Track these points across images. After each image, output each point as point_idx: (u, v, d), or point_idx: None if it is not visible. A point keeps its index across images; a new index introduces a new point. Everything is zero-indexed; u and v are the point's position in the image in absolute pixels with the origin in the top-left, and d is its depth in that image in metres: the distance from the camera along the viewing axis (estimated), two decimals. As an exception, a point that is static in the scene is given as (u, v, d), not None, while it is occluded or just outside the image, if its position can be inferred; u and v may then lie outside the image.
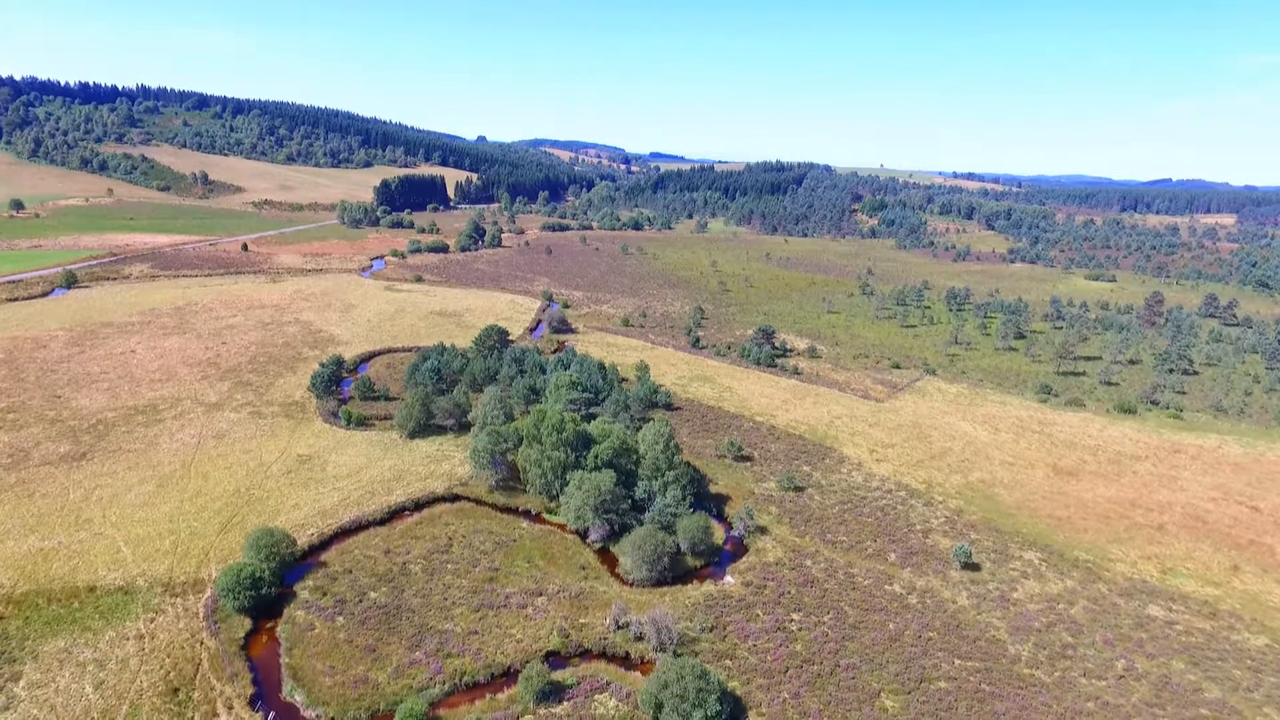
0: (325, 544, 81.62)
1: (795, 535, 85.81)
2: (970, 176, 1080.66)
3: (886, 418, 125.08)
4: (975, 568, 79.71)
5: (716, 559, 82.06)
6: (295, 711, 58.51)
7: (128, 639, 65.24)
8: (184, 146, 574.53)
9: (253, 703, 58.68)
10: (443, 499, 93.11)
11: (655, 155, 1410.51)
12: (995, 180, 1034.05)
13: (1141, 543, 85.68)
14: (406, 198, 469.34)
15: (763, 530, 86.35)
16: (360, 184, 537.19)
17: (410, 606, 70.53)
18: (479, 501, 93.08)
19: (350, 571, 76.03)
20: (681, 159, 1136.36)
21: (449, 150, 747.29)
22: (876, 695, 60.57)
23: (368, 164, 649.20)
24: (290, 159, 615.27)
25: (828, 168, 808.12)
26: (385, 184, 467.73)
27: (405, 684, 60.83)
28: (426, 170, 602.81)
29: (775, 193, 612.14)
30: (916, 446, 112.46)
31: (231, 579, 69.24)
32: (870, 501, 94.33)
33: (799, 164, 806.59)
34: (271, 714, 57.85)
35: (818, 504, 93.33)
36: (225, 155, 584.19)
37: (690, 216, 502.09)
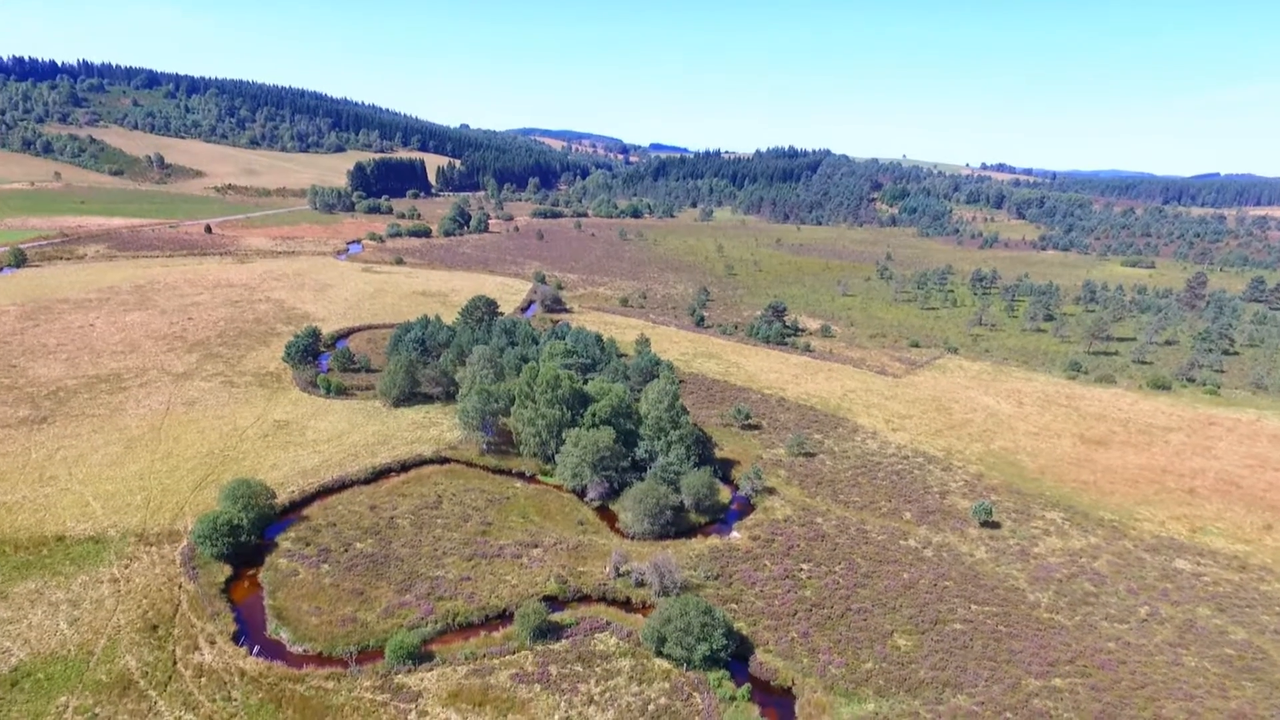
0: (306, 501, 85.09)
1: (806, 496, 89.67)
2: (1000, 168, 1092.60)
3: (904, 391, 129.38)
4: (995, 525, 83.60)
5: (722, 516, 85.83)
6: (281, 647, 61.92)
7: (101, 582, 68.66)
8: (135, 128, 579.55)
9: (236, 640, 62.07)
10: (431, 461, 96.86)
11: (656, 147, 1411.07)
12: (1027, 173, 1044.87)
13: (1171, 504, 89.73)
14: (384, 183, 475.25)
15: (771, 491, 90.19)
16: (332, 169, 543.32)
17: (398, 556, 74.12)
18: (469, 464, 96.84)
19: (334, 525, 79.61)
20: (684, 150, 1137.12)
21: (429, 134, 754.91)
22: (889, 635, 64.25)
23: (339, 148, 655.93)
24: (254, 142, 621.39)
25: (845, 157, 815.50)
26: (360, 168, 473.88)
27: (395, 623, 64.33)
28: (405, 154, 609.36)
29: (787, 180, 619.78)
30: (935, 417, 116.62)
31: (208, 526, 72.67)
32: (885, 466, 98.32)
33: (814, 151, 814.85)
34: (256, 648, 61.26)
35: (829, 468, 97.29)
36: (182, 138, 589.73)
37: (694, 205, 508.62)
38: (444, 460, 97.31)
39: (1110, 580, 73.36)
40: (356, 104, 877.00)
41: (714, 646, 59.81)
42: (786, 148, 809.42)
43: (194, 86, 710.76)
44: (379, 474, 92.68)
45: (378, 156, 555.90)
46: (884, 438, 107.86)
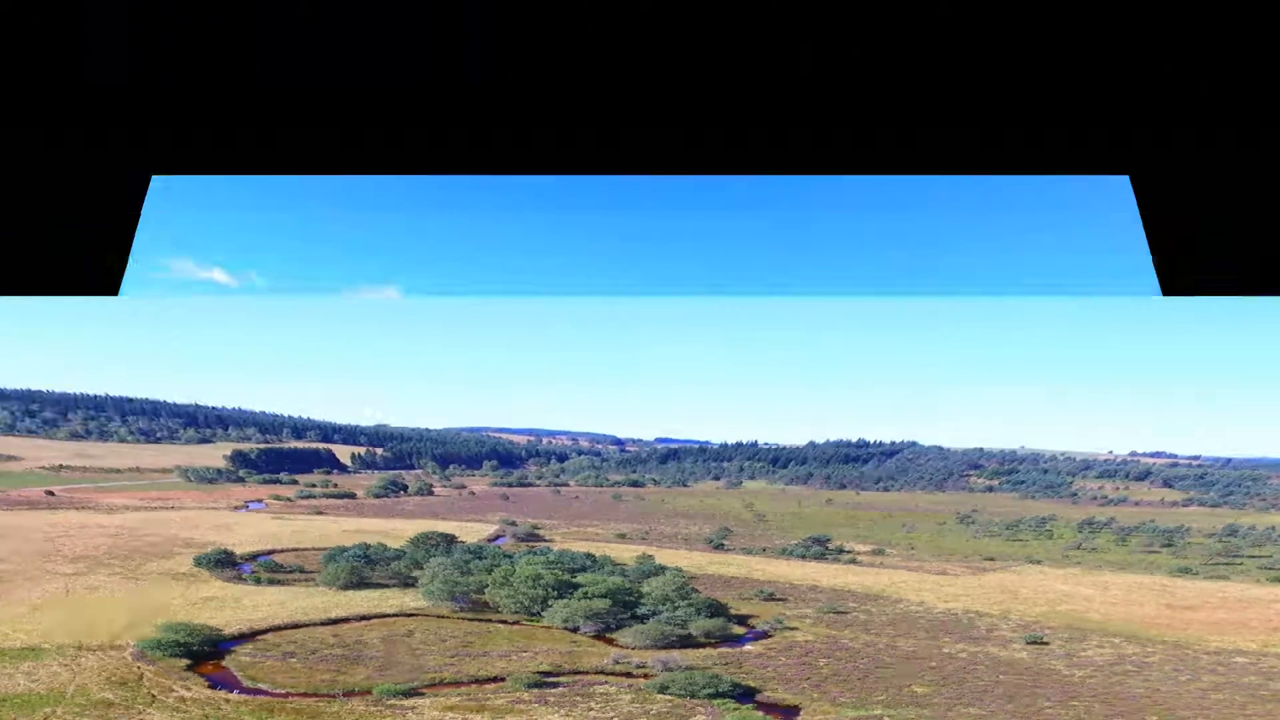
0: (258, 634, 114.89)
1: (832, 631, 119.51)
2: (1158, 456, 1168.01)
3: (965, 582, 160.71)
4: (1043, 643, 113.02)
5: (735, 642, 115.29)
6: (264, 693, 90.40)
7: (51, 666, 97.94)
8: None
9: (213, 688, 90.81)
10: (396, 616, 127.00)
11: (664, 442, 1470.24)
12: (1193, 460, 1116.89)
13: (1248, 635, 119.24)
14: (278, 465, 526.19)
15: (792, 629, 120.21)
16: (198, 455, 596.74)
17: (373, 656, 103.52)
18: (441, 616, 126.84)
19: (295, 642, 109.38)
20: (705, 444, 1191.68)
21: (332, 430, 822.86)
22: (907, 685, 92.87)
23: (206, 440, 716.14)
24: (77, 436, 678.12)
25: (939, 448, 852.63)
26: (241, 455, 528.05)
27: (379, 683, 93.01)
28: (303, 445, 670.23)
29: (850, 462, 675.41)
30: (997, 595, 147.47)
31: (152, 643, 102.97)
32: (928, 618, 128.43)
33: (894, 442, 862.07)
34: (236, 690, 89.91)
35: (863, 621, 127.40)
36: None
37: (716, 479, 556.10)
38: (411, 615, 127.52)
39: (1156, 665, 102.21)
40: (214, 408, 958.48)
41: (719, 690, 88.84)
42: (855, 440, 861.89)
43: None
44: (337, 622, 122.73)
45: (263, 445, 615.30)
46: (930, 604, 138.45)
